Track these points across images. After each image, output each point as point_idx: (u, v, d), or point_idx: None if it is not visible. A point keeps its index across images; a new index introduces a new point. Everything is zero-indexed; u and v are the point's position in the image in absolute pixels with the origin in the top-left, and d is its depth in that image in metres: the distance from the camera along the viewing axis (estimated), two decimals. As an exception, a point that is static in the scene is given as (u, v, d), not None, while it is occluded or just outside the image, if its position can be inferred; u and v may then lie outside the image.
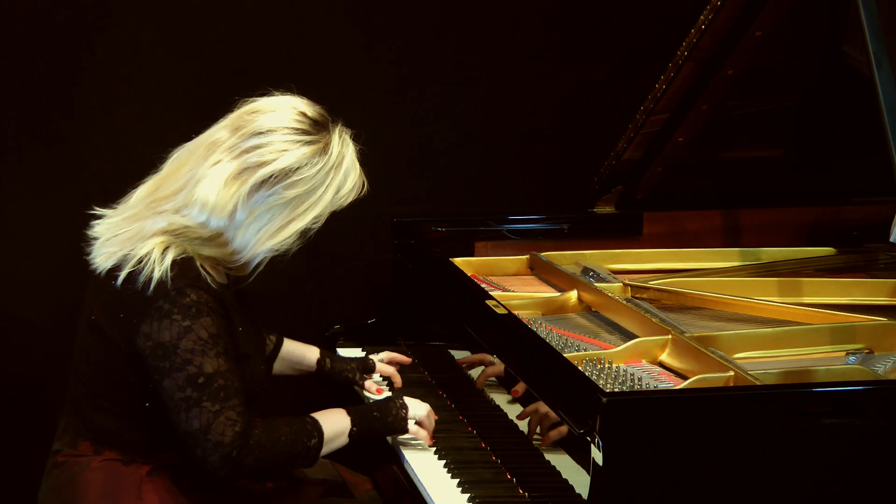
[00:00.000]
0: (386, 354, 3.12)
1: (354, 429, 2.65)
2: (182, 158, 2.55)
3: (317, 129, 2.53)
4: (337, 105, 3.89)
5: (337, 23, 3.88)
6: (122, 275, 2.47)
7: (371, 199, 3.94)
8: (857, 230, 3.51)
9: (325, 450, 2.62)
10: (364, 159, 3.90)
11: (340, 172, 2.52)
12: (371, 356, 3.08)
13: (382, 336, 3.41)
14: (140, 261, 2.46)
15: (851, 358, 2.64)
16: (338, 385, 3.05)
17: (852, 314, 2.81)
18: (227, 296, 2.56)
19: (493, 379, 2.80)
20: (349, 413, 2.67)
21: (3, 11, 3.67)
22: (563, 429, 2.40)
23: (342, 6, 3.88)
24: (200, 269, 2.50)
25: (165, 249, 2.47)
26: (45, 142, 3.70)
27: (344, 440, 2.65)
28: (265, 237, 2.50)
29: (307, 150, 2.50)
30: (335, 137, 2.54)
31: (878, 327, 2.73)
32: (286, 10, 3.84)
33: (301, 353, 3.02)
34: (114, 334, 2.51)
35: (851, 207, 3.60)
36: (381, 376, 3.08)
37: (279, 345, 3.00)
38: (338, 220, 3.94)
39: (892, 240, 2.54)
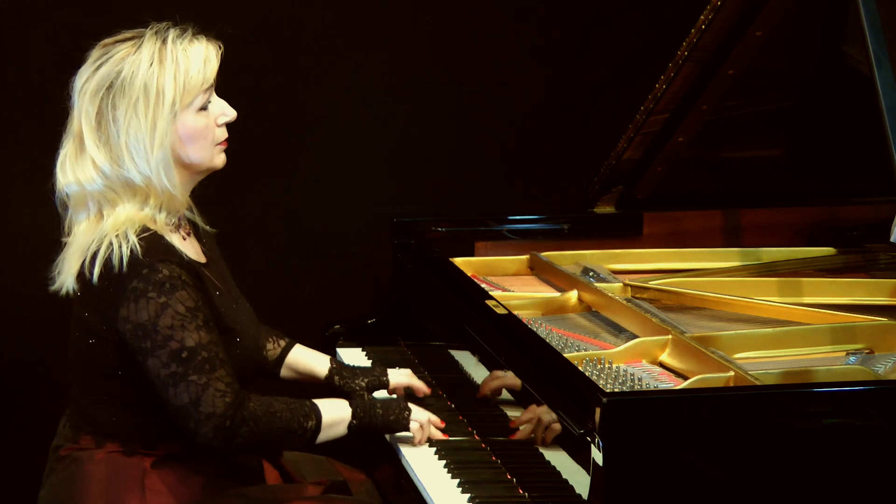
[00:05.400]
0: (406, 371, 2.99)
1: (354, 421, 2.65)
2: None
3: (127, 39, 2.54)
4: (337, 105, 3.94)
5: (337, 23, 3.89)
6: (97, 269, 2.47)
7: (371, 199, 4.00)
8: (857, 230, 3.51)
9: (323, 436, 2.62)
10: (364, 160, 3.96)
11: (167, 60, 2.49)
12: (390, 370, 2.97)
13: (382, 336, 3.41)
14: (108, 248, 2.47)
15: (852, 358, 2.64)
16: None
17: (853, 314, 2.81)
18: (207, 271, 2.59)
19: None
20: (352, 405, 2.67)
21: (10, 14, 3.69)
22: (557, 426, 2.40)
23: (342, 6, 3.88)
24: (170, 243, 2.52)
25: (124, 232, 2.48)
26: (46, 141, 3.70)
27: (342, 430, 2.65)
28: (147, 144, 2.48)
29: (118, 54, 2.50)
30: (148, 35, 2.52)
31: (879, 327, 2.73)
32: (286, 9, 3.85)
33: (310, 363, 2.96)
34: (99, 328, 2.52)
35: (851, 207, 3.60)
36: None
37: (287, 350, 2.96)
38: (338, 220, 3.99)
39: (892, 240, 2.53)
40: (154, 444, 2.56)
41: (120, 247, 2.46)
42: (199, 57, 2.52)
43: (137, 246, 2.46)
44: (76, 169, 2.52)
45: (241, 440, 2.51)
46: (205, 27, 2.59)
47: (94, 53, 2.54)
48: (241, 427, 2.50)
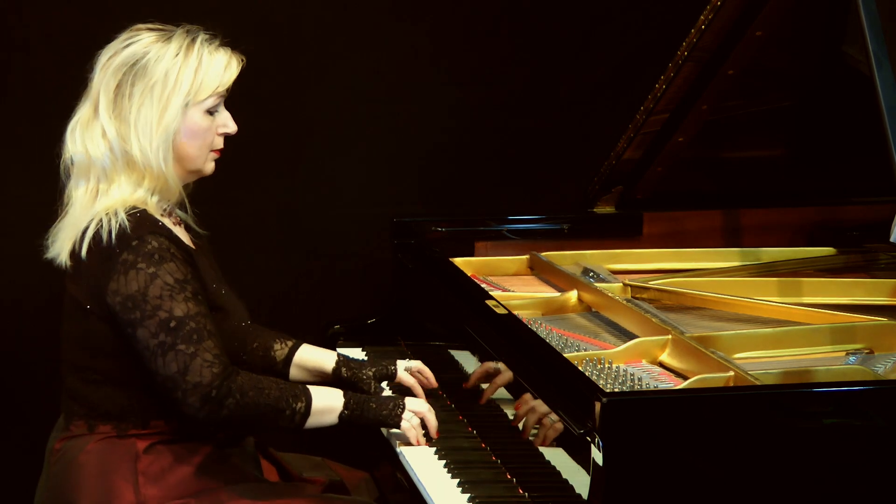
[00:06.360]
0: (417, 363, 2.99)
1: (346, 412, 2.66)
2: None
3: (158, 30, 2.64)
4: (337, 105, 3.94)
5: (337, 23, 3.89)
6: (85, 244, 2.53)
7: (371, 199, 4.00)
8: (857, 230, 3.51)
9: (313, 421, 2.63)
10: (364, 160, 3.96)
11: (192, 56, 2.60)
12: (399, 361, 2.97)
13: (382, 336, 3.41)
14: (97, 224, 2.53)
15: (852, 358, 2.64)
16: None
17: (852, 314, 2.81)
18: (197, 254, 2.64)
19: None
20: (345, 395, 2.68)
21: (10, 14, 3.69)
22: (559, 426, 2.40)
23: (342, 6, 3.88)
24: (159, 220, 2.57)
25: (114, 210, 2.54)
26: (46, 140, 3.70)
27: (333, 419, 2.65)
28: (154, 126, 2.56)
29: (148, 39, 2.60)
30: (179, 31, 2.63)
31: (879, 327, 2.73)
32: (287, 9, 3.85)
33: (317, 359, 2.96)
34: (89, 304, 2.55)
35: (851, 207, 3.60)
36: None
37: (295, 349, 2.96)
38: (338, 220, 3.99)
39: (892, 240, 2.53)
40: (146, 423, 2.58)
41: (109, 222, 2.52)
42: (222, 62, 2.64)
43: (126, 221, 2.53)
44: (85, 136, 2.60)
45: (228, 412, 2.52)
46: (233, 41, 2.70)
47: (125, 34, 2.64)
48: (227, 398, 2.51)
